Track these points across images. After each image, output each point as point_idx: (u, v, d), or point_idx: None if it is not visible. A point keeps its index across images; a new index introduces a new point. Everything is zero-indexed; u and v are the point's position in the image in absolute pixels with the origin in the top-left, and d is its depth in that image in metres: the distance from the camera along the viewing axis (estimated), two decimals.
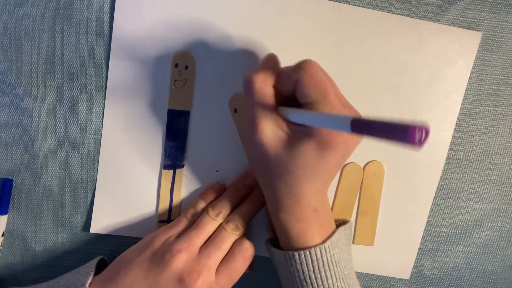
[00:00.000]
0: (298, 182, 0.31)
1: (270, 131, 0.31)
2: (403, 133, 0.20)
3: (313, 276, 0.33)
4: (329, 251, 0.33)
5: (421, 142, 0.20)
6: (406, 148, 0.20)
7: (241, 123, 0.39)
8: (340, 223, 0.37)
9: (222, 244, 0.35)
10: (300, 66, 0.31)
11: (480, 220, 0.41)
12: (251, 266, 0.37)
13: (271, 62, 0.34)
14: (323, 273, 0.33)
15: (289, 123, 0.32)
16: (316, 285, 0.33)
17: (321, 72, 0.31)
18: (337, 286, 0.33)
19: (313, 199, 0.32)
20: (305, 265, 0.33)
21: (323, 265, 0.33)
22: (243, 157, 0.39)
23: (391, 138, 0.21)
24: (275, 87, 0.33)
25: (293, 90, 0.32)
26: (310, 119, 0.30)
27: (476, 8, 0.38)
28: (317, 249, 0.33)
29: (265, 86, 0.32)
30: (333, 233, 0.34)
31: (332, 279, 0.33)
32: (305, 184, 0.32)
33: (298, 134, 0.31)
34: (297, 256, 0.33)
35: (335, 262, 0.33)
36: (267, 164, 0.32)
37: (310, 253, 0.32)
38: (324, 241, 0.33)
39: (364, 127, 0.23)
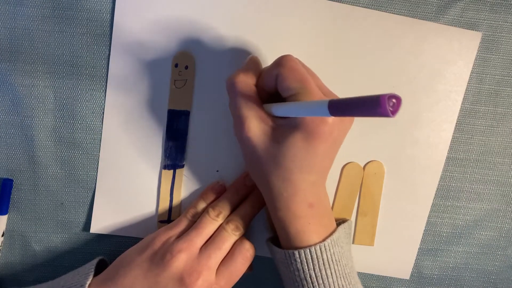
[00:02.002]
0: (290, 175, 0.32)
1: (256, 127, 0.32)
2: (376, 104, 0.20)
3: (313, 275, 0.33)
4: (329, 250, 0.33)
5: (393, 111, 0.20)
6: (379, 117, 0.20)
7: None
8: (340, 222, 0.37)
9: (222, 245, 0.35)
10: (279, 61, 0.32)
11: (480, 220, 0.42)
12: (251, 267, 0.37)
13: (251, 62, 0.34)
14: (323, 272, 0.33)
15: (274, 117, 0.32)
16: (316, 284, 0.33)
17: (300, 65, 0.32)
18: (338, 284, 0.33)
19: (308, 193, 0.32)
20: (305, 264, 0.33)
21: (323, 263, 0.33)
22: (243, 157, 0.39)
23: (366, 112, 0.21)
24: (258, 85, 0.33)
25: (275, 86, 0.32)
26: (292, 110, 0.30)
27: (476, 8, 0.38)
28: (317, 247, 0.32)
29: (247, 85, 0.33)
30: (333, 231, 0.34)
31: (332, 278, 0.33)
32: (298, 177, 0.32)
33: (284, 127, 0.31)
34: (297, 255, 0.33)
35: (336, 260, 0.33)
36: (258, 160, 0.32)
37: (310, 251, 0.32)
38: (324, 240, 0.33)
39: (341, 107, 0.23)
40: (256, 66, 0.34)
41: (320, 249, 0.33)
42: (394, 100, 0.20)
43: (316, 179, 0.33)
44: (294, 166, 0.31)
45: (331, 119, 0.30)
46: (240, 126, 0.32)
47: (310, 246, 0.33)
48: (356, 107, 0.22)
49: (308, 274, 0.33)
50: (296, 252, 0.33)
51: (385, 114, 0.20)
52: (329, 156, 0.33)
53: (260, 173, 0.33)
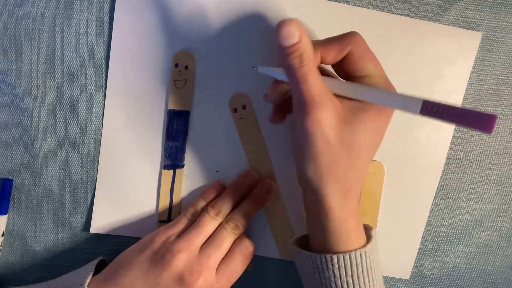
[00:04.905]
0: (358, 160, 0.29)
1: (328, 109, 0.28)
2: (483, 121, 0.22)
3: (351, 282, 0.30)
4: (370, 256, 0.31)
5: (492, 129, 0.23)
6: (476, 132, 0.23)
7: (241, 123, 0.39)
8: (366, 227, 0.35)
9: (222, 244, 0.35)
10: (352, 38, 0.30)
11: (480, 220, 0.41)
12: (250, 265, 0.37)
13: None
14: (361, 280, 0.31)
15: (340, 98, 0.29)
16: None
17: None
18: None
19: (359, 187, 0.30)
20: (343, 270, 0.30)
21: (362, 270, 0.31)
22: (243, 157, 0.39)
23: (466, 124, 0.23)
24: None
25: (337, 62, 0.30)
26: (377, 97, 0.29)
27: (476, 8, 0.38)
28: (358, 252, 0.30)
29: (316, 60, 0.29)
30: (370, 236, 0.32)
31: (370, 286, 0.31)
32: (362, 163, 0.29)
33: (354, 108, 0.29)
34: (335, 260, 0.30)
35: (374, 268, 0.31)
36: (325, 151, 0.29)
37: (350, 257, 0.30)
38: (364, 245, 0.31)
39: (437, 111, 0.24)
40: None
41: (361, 255, 0.30)
42: (495, 121, 0.23)
43: (364, 170, 0.31)
44: (364, 149, 0.29)
45: None
46: (308, 109, 0.28)
47: (351, 251, 0.30)
48: (455, 116, 0.24)
49: (345, 281, 0.30)
50: (335, 257, 0.30)
51: (488, 132, 0.23)
52: (381, 138, 0.31)
53: (320, 169, 0.29)
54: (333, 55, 0.30)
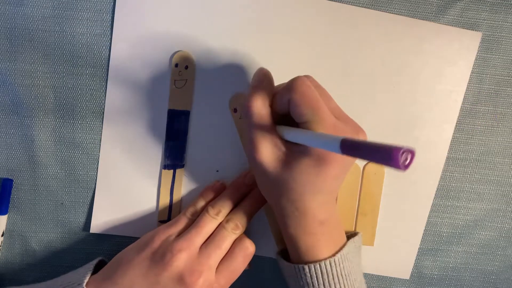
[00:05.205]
0: (301, 197, 0.32)
1: (269, 152, 0.32)
2: (388, 155, 0.20)
3: None
4: (339, 264, 0.33)
5: (405, 166, 0.20)
6: (393, 170, 0.19)
7: (241, 123, 0.39)
8: (349, 235, 0.37)
9: (222, 244, 0.35)
10: (291, 86, 0.31)
11: (480, 220, 0.41)
12: (249, 264, 0.37)
13: (266, 80, 0.33)
14: (332, 286, 0.33)
15: (286, 142, 0.32)
16: None
17: (312, 89, 0.31)
18: None
19: (319, 212, 0.32)
20: (315, 278, 0.33)
21: (333, 278, 0.33)
22: (243, 157, 0.39)
23: (378, 160, 0.21)
24: (271, 106, 0.33)
25: (288, 110, 0.32)
26: (304, 139, 0.30)
27: (476, 8, 0.38)
28: (327, 262, 0.33)
29: (262, 109, 0.32)
30: (343, 246, 0.34)
31: None
32: (309, 198, 0.32)
33: (295, 152, 0.31)
34: (307, 270, 0.33)
35: (345, 275, 0.33)
36: (270, 183, 0.32)
37: (320, 266, 0.33)
38: (334, 254, 0.33)
39: (353, 148, 0.23)
40: (270, 84, 0.33)
41: (330, 264, 0.33)
42: (409, 156, 0.20)
43: (327, 199, 0.33)
44: (305, 189, 0.31)
45: None
46: (253, 150, 0.32)
47: (320, 260, 0.33)
48: (368, 153, 0.21)
49: None
50: (306, 267, 0.33)
51: (396, 167, 0.20)
52: (340, 178, 0.33)
53: (271, 195, 0.33)
54: (279, 105, 0.32)
